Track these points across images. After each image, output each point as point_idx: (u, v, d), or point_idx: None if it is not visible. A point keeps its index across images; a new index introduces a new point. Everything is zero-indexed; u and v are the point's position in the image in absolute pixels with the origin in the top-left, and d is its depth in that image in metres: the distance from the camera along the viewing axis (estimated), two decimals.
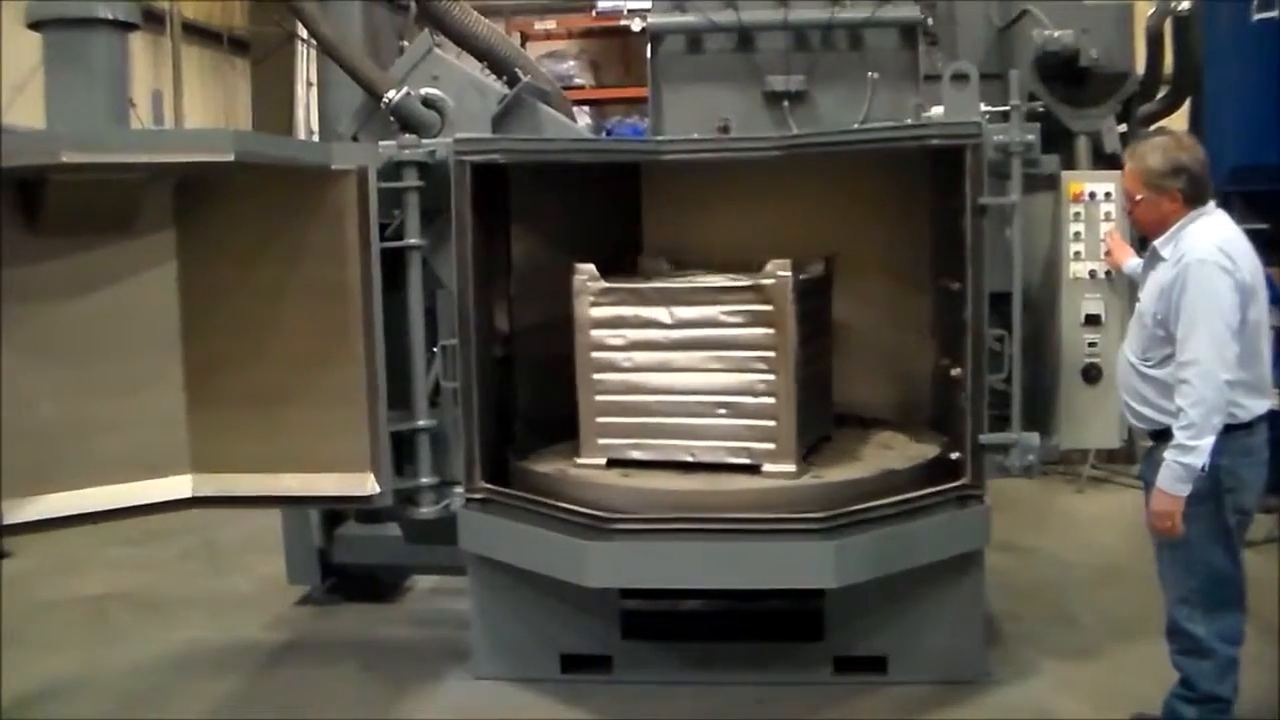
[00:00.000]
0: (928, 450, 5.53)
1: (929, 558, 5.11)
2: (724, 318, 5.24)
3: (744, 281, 5.22)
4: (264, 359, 5.17)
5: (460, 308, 5.32)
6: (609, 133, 12.12)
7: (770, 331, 5.16)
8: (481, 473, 5.35)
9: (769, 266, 5.13)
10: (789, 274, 5.10)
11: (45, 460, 4.86)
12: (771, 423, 5.19)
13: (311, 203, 5.10)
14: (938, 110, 5.38)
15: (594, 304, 5.37)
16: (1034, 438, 5.21)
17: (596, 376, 5.39)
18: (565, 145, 5.69)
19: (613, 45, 14.06)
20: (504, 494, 5.32)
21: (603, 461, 5.39)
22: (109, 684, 5.74)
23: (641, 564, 4.95)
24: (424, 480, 5.43)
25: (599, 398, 5.40)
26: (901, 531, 4.98)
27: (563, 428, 5.74)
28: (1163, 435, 4.27)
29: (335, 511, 6.38)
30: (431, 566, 6.58)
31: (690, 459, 5.31)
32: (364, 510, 5.91)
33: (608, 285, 5.37)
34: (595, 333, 5.39)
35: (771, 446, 5.19)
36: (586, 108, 13.29)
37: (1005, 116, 5.19)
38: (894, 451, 5.62)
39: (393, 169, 5.27)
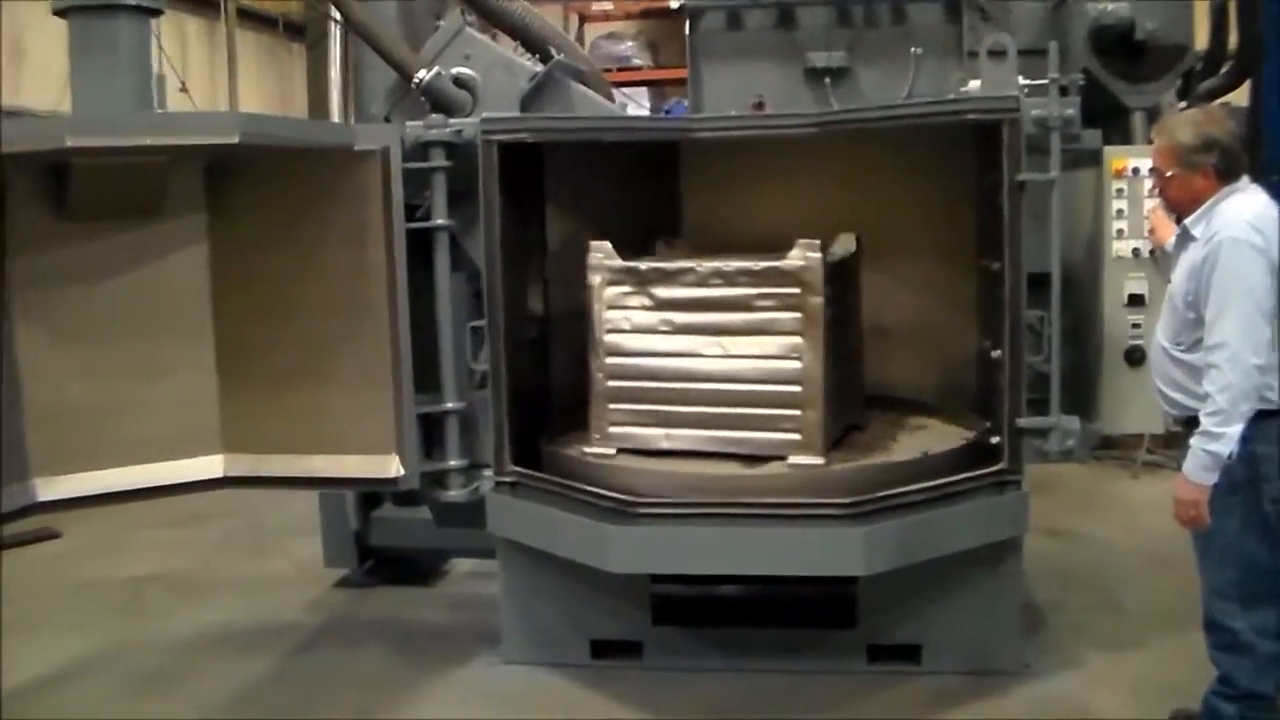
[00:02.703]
0: (965, 434, 5.40)
1: (963, 545, 4.97)
2: None
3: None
4: (294, 340, 5.17)
5: (489, 289, 5.26)
6: (668, 113, 12.00)
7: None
8: (511, 456, 5.29)
9: (839, 242, 5.43)
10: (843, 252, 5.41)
11: (80, 441, 4.92)
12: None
13: (337, 184, 5.08)
14: (975, 85, 5.24)
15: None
16: (1074, 421, 5.07)
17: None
18: (593, 124, 5.58)
19: (670, 25, 13.91)
20: (532, 477, 5.26)
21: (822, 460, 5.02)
22: (133, 663, 5.79)
23: (667, 549, 4.88)
24: (453, 463, 5.40)
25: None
26: (934, 518, 4.85)
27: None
28: (1193, 422, 4.08)
29: (372, 494, 6.37)
30: (468, 550, 6.53)
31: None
32: (394, 492, 5.90)
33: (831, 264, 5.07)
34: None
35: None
36: (645, 88, 13.21)
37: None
38: (930, 435, 5.50)
39: (420, 149, 5.23)
